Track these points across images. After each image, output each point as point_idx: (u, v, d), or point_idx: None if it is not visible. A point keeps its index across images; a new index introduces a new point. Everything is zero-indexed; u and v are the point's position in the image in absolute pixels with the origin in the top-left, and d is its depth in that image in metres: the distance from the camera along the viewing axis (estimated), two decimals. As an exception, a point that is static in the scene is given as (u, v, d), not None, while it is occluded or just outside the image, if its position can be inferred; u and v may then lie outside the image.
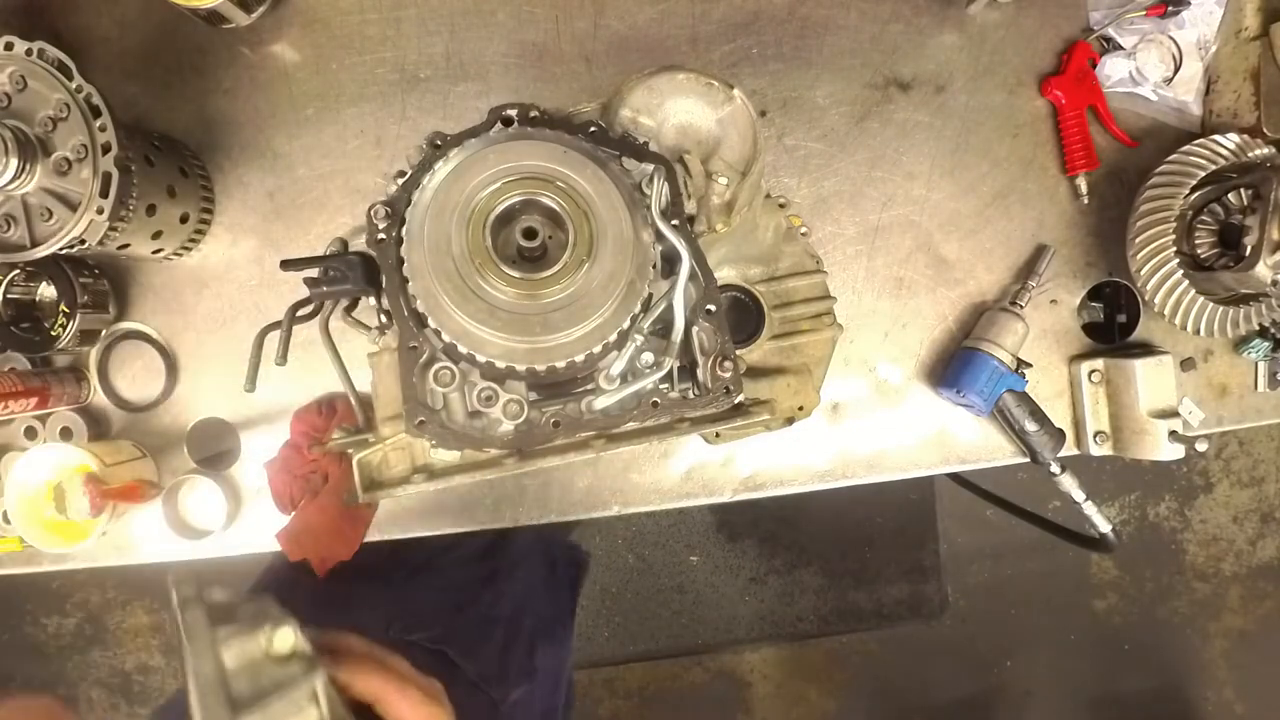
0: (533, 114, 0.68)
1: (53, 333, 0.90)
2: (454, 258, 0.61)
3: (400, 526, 0.97)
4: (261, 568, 1.07)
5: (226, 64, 0.95)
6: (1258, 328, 0.89)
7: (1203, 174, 0.86)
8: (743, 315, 0.88)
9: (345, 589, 0.98)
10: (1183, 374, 0.97)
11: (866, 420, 0.98)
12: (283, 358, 0.74)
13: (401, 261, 0.63)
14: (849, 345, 0.97)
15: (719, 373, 0.67)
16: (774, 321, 0.87)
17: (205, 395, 0.97)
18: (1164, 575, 2.38)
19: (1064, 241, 0.97)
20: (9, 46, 0.75)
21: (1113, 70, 0.95)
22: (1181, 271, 0.87)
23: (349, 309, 0.76)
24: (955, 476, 1.30)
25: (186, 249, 0.94)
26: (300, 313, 0.75)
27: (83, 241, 0.77)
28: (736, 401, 0.69)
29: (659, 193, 0.66)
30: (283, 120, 0.95)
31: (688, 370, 0.68)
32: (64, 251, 0.78)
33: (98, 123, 0.76)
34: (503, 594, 1.09)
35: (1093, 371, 0.95)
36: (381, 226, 0.65)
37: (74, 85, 0.75)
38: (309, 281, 0.70)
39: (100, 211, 0.75)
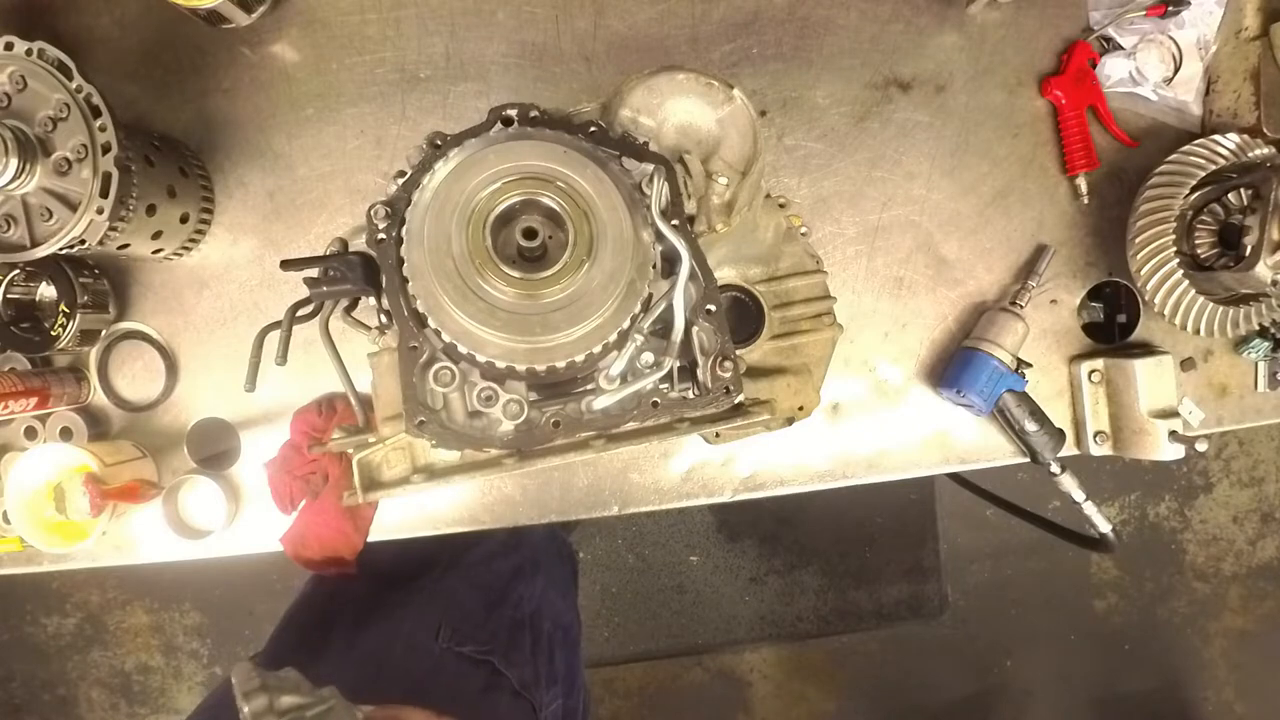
0: (533, 114, 0.68)
1: (53, 333, 0.90)
2: (454, 258, 0.61)
3: (402, 527, 0.97)
4: (306, 579, 1.08)
5: (226, 64, 0.95)
6: (1258, 328, 0.89)
7: (1203, 174, 0.86)
8: (743, 315, 0.88)
9: (387, 595, 1.00)
10: (1183, 374, 0.97)
11: (866, 420, 0.98)
12: (283, 358, 0.74)
13: (401, 261, 0.63)
14: (849, 345, 0.97)
15: (719, 373, 0.67)
16: (774, 321, 0.87)
17: (205, 395, 0.97)
18: (1164, 575, 2.38)
19: (1064, 241, 0.97)
20: (9, 46, 0.75)
21: (1113, 70, 0.95)
22: (1181, 271, 0.87)
23: (349, 309, 0.76)
24: (955, 476, 1.30)
25: (186, 249, 0.94)
26: (300, 313, 0.75)
27: (83, 241, 0.77)
28: (736, 401, 0.69)
29: (659, 193, 0.66)
30: (283, 120, 0.95)
31: (688, 370, 0.68)
32: (64, 251, 0.78)
33: (98, 123, 0.76)
34: (524, 595, 1.10)
35: (1093, 371, 0.95)
36: (381, 226, 0.65)
37: (74, 85, 0.75)
38: (309, 281, 0.69)
39: (100, 211, 0.75)
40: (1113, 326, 1.02)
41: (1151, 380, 0.92)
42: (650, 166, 0.68)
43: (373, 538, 0.94)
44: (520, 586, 1.10)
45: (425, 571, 1.05)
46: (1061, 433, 0.95)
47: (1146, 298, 0.89)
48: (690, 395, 0.68)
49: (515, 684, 0.94)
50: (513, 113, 0.68)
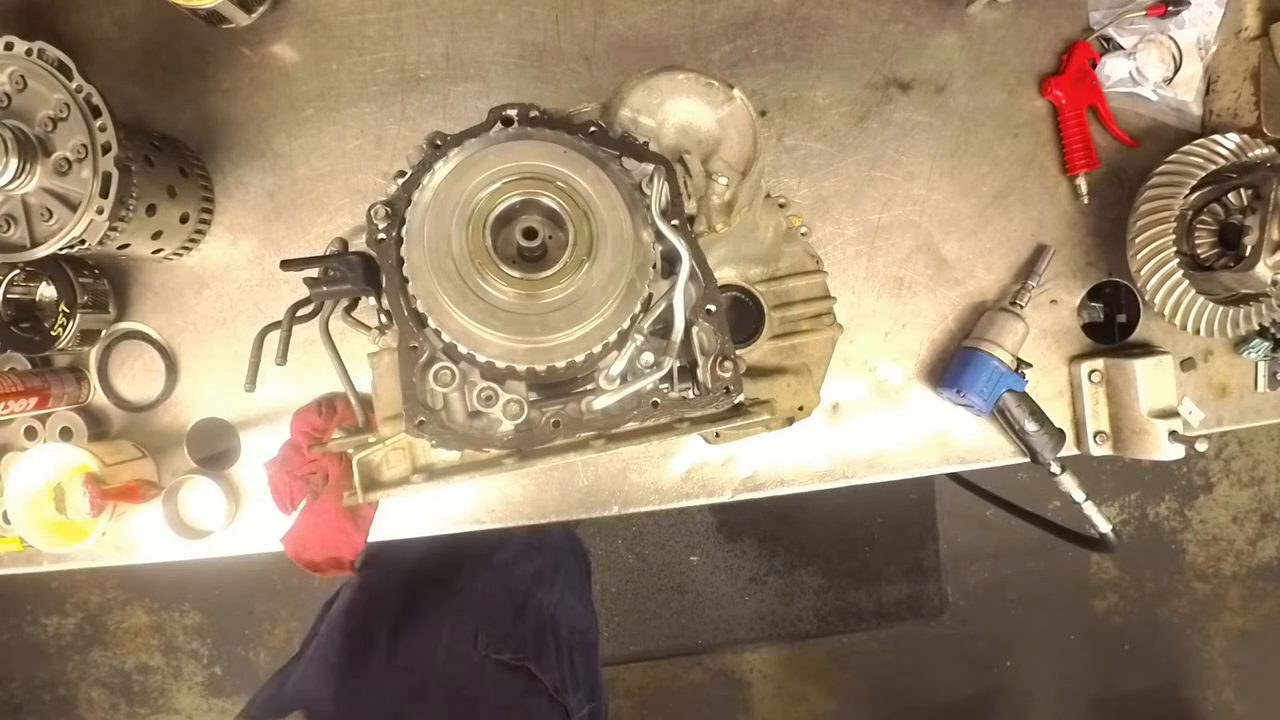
0: (533, 114, 0.68)
1: (53, 333, 0.90)
2: (454, 258, 0.61)
3: (403, 528, 0.97)
4: (344, 584, 1.08)
5: (226, 64, 0.95)
6: (1258, 328, 0.89)
7: (1203, 174, 0.86)
8: (743, 315, 0.88)
9: (419, 600, 1.01)
10: (1183, 374, 0.97)
11: (866, 420, 0.98)
12: (283, 358, 0.74)
13: (401, 261, 0.63)
14: (849, 345, 0.97)
15: (719, 373, 0.67)
16: (774, 321, 0.87)
17: (205, 395, 0.97)
18: (1164, 575, 2.38)
19: (1064, 241, 0.97)
20: (9, 46, 0.75)
21: (1113, 70, 0.95)
22: (1181, 271, 0.87)
23: (349, 309, 0.76)
24: (955, 476, 1.30)
25: (186, 249, 0.94)
26: (300, 313, 0.75)
27: (83, 241, 0.77)
28: (736, 401, 0.69)
29: (659, 193, 0.66)
30: (283, 120, 0.95)
31: (688, 370, 0.68)
32: (64, 251, 0.78)
33: (98, 123, 0.76)
34: (543, 601, 1.11)
35: (1093, 371, 0.95)
36: (381, 226, 0.65)
37: (74, 85, 0.75)
38: (309, 281, 0.70)
39: (100, 211, 0.75)
40: (1113, 326, 1.02)
41: (1151, 380, 0.92)
42: (650, 166, 0.68)
43: (373, 538, 0.94)
44: (540, 592, 1.11)
45: (454, 572, 1.06)
46: (1061, 433, 0.95)
47: (1146, 298, 0.89)
48: (690, 395, 0.68)
49: (550, 689, 0.95)
50: (513, 113, 0.68)
